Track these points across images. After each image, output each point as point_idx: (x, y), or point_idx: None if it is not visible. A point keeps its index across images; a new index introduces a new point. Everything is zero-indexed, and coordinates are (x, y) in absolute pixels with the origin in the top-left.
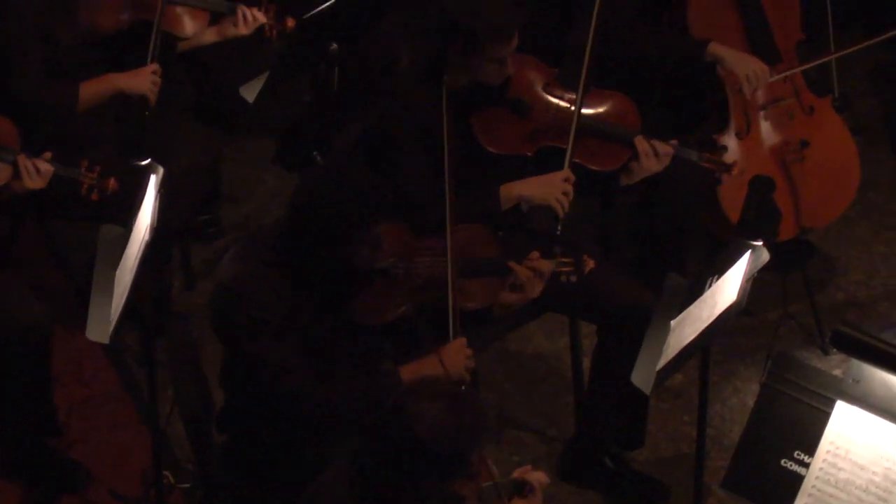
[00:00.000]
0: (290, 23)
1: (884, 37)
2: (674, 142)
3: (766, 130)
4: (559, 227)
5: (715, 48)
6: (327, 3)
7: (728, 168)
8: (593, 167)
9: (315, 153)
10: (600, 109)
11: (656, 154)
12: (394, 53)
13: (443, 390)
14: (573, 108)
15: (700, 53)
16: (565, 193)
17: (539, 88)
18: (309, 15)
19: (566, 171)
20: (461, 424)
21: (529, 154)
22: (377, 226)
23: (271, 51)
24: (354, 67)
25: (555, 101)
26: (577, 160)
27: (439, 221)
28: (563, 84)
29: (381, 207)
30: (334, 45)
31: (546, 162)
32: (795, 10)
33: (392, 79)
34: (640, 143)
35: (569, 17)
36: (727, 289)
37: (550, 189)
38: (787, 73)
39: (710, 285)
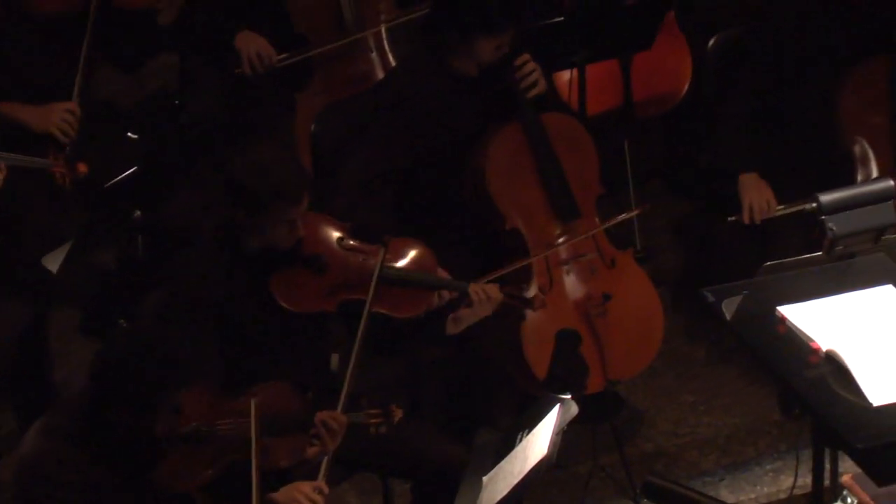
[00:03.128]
0: (82, 168)
1: None
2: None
3: (570, 285)
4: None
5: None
6: (130, 171)
7: (530, 303)
8: (396, 315)
9: (121, 321)
10: (399, 258)
11: (488, 299)
12: (194, 220)
13: None
14: (370, 260)
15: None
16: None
17: (334, 243)
18: (111, 182)
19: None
20: None
21: (332, 310)
22: (178, 391)
23: (74, 221)
24: (157, 234)
25: (351, 254)
26: (380, 310)
27: (245, 381)
28: (357, 236)
29: (180, 373)
30: (138, 212)
31: (349, 315)
32: (594, 166)
33: (191, 247)
34: (474, 290)
35: None
36: (538, 443)
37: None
38: (589, 233)
39: (521, 440)
